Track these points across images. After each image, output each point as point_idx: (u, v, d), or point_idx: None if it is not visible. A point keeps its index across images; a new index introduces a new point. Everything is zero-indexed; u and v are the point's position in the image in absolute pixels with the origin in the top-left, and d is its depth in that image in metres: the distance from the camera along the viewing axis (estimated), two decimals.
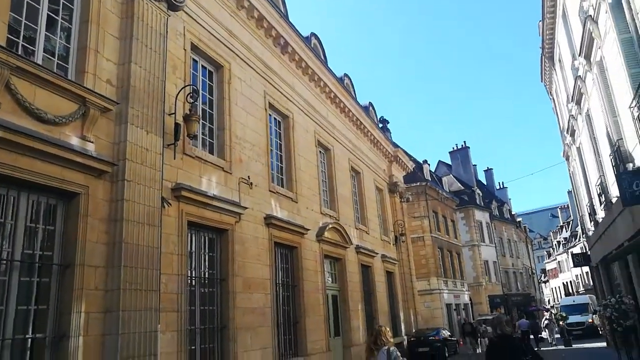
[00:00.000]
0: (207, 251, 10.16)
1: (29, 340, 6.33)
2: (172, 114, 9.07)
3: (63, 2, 7.56)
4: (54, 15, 7.37)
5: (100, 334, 6.98)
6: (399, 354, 5.46)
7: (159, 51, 8.74)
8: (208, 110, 11.04)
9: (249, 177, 11.56)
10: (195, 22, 10.45)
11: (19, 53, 6.52)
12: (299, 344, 12.85)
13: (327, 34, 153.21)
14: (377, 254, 20.01)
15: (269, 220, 12.07)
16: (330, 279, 16.01)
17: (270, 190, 12.59)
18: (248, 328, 10.50)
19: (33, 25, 7.01)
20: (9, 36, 6.54)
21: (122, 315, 7.10)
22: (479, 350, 22.93)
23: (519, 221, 65.71)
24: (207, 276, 10.03)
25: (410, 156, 30.08)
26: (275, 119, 14.17)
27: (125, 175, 7.64)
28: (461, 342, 22.67)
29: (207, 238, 10.19)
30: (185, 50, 10.03)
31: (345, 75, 21.06)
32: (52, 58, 7.24)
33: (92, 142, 7.35)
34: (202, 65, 11.06)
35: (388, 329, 6.17)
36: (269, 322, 11.33)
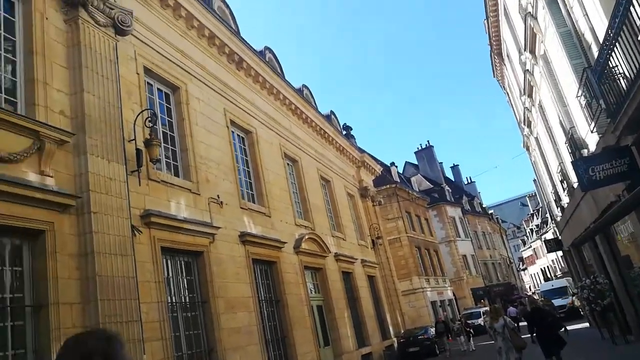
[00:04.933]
0: (184, 275, 9.93)
1: None
2: (132, 140, 8.89)
3: (4, 34, 7.36)
4: None
5: None
6: (510, 319, 10.11)
7: (111, 77, 8.58)
8: (169, 132, 10.89)
9: (218, 196, 11.40)
10: (145, 45, 10.32)
11: None
12: (289, 358, 12.65)
13: (281, 48, 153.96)
14: (356, 259, 19.99)
15: (244, 238, 11.92)
16: (313, 289, 15.88)
17: (241, 207, 12.45)
18: (236, 348, 10.28)
19: None
20: None
21: None
22: (464, 348, 21.66)
23: (491, 213, 66.86)
24: (188, 300, 9.79)
25: (377, 160, 30.32)
26: (238, 135, 14.08)
27: (91, 207, 7.42)
28: (450, 338, 22.70)
29: (183, 262, 9.97)
30: (138, 74, 9.89)
31: (304, 86, 21.16)
32: None
33: (51, 177, 7.11)
34: (158, 88, 10.91)
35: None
36: (256, 339, 11.13)
